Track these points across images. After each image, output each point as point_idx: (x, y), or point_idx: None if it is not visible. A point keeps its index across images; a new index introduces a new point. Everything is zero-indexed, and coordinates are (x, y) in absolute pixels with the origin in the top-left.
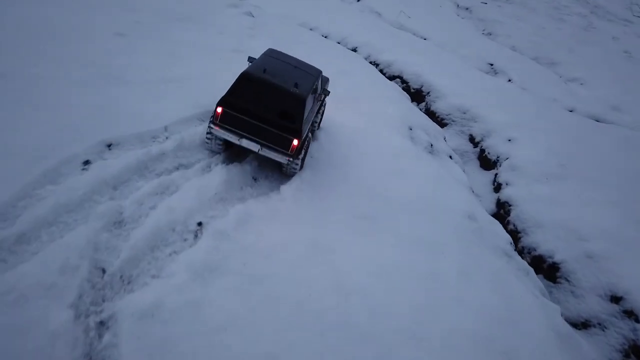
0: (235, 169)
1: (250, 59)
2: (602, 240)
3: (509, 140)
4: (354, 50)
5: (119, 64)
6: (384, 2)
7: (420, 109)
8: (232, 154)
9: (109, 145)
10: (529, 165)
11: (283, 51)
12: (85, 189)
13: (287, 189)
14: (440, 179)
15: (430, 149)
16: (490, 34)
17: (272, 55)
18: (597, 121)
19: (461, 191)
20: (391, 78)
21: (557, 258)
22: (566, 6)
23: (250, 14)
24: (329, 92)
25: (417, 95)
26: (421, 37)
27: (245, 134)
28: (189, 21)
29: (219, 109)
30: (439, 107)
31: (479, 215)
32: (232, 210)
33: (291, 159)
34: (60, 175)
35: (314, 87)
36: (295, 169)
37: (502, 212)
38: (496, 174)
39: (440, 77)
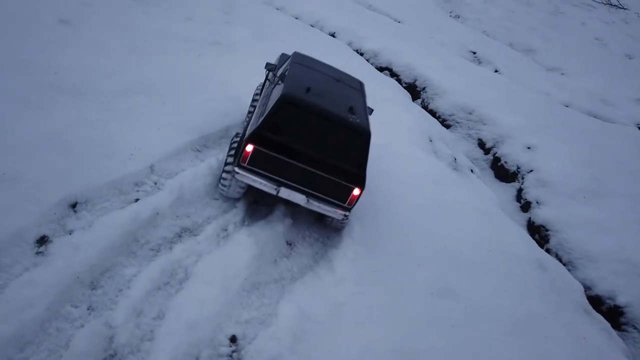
0: (263, 232)
1: (269, 67)
2: None
3: (528, 148)
4: (332, 35)
5: (66, 65)
6: None
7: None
8: (251, 201)
9: (74, 206)
10: (560, 179)
11: (304, 53)
12: (44, 300)
13: (342, 261)
14: (488, 213)
15: (455, 164)
16: (458, 16)
17: (302, 62)
18: (596, 118)
19: (512, 226)
20: (379, 70)
21: (620, 301)
22: None
23: None
24: (372, 109)
25: (411, 91)
26: (394, 20)
27: (285, 181)
28: (151, 1)
29: (249, 147)
30: (439, 106)
31: (544, 259)
32: (279, 311)
33: (348, 213)
34: None
35: (367, 108)
36: (345, 222)
37: (537, 237)
38: (521, 189)
39: (434, 70)
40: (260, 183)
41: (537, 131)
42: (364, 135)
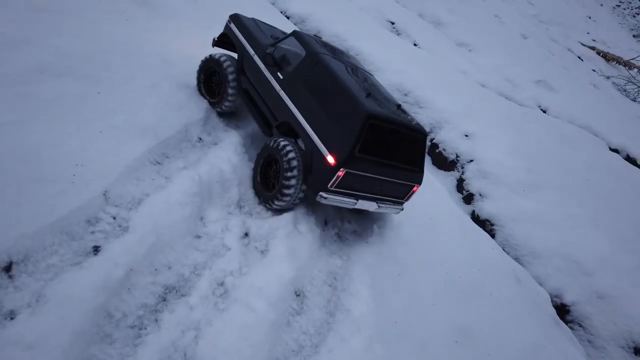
0: (269, 285)
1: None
2: (606, 273)
3: (466, 135)
4: None
5: None
6: None
7: None
8: (241, 235)
9: (8, 269)
10: (500, 171)
11: None
12: None
13: (361, 312)
14: (457, 216)
15: None
16: None
17: (323, 50)
18: (507, 99)
19: (479, 232)
20: None
21: (567, 299)
22: None
23: None
24: None
25: None
26: None
27: (363, 194)
28: None
29: (341, 172)
30: None
31: (516, 269)
32: None
33: (403, 206)
34: None
35: None
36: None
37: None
38: (462, 180)
39: (365, 41)
40: (342, 202)
41: (470, 116)
42: (424, 136)
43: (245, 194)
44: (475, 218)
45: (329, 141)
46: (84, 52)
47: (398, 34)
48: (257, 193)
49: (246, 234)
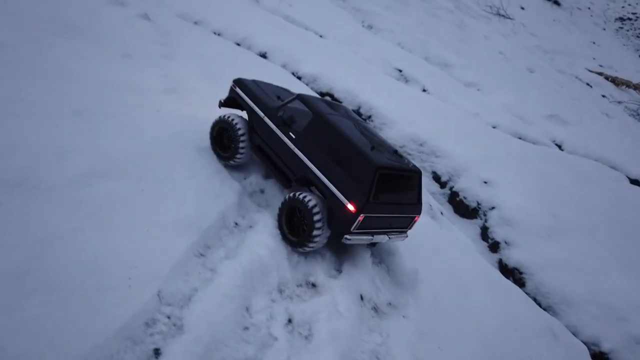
0: None
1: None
2: None
3: (485, 182)
4: (263, 56)
5: None
6: None
7: None
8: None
9: None
10: (523, 217)
11: None
12: None
13: None
14: (488, 276)
15: (431, 211)
16: (371, 27)
17: (328, 110)
18: (520, 138)
19: (512, 289)
20: (321, 95)
21: (605, 347)
22: None
23: (147, 17)
24: None
25: None
26: (316, 33)
27: (377, 230)
28: (74, 35)
29: (361, 217)
30: (389, 137)
31: (551, 323)
32: None
33: (407, 234)
34: None
35: None
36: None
37: (511, 280)
38: (486, 228)
39: (377, 96)
40: (362, 240)
41: (487, 162)
42: (420, 174)
43: (284, 277)
44: (503, 267)
45: (347, 191)
46: (125, 151)
47: (406, 81)
48: (287, 240)
49: (290, 320)
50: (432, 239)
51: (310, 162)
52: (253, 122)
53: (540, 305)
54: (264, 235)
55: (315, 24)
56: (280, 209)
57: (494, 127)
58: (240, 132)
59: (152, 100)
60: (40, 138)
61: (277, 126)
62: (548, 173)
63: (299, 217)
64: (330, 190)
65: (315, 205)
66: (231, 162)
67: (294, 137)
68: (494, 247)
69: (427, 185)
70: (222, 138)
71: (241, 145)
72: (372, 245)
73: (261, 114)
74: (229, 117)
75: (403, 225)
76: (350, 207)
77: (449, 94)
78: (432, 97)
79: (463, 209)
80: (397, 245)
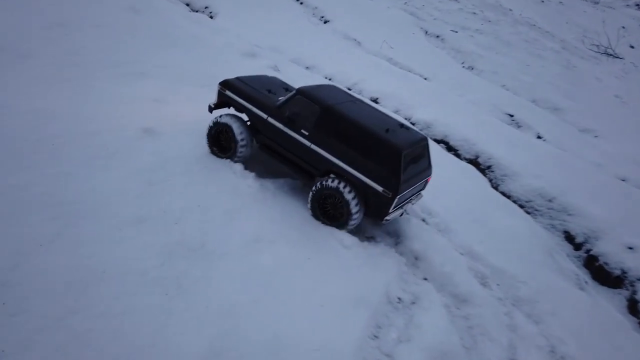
0: None
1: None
2: None
3: (630, 248)
4: (375, 101)
5: None
6: (349, 24)
7: None
8: None
9: None
10: None
11: None
12: None
13: None
14: None
15: (578, 281)
16: (472, 68)
17: (335, 99)
18: None
19: None
20: (436, 142)
21: None
22: (535, 39)
23: (277, 68)
24: None
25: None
26: (420, 76)
27: (405, 203)
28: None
29: (394, 199)
30: (513, 190)
31: None
32: None
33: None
34: None
35: None
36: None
37: None
38: (634, 301)
39: (494, 145)
40: (396, 215)
41: (629, 224)
42: (427, 139)
43: None
44: None
45: (378, 178)
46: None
47: (518, 127)
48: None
49: None
50: (588, 314)
51: (332, 155)
52: (256, 123)
53: None
54: (434, 315)
55: (417, 65)
56: (311, 201)
57: (622, 180)
58: (236, 131)
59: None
60: (212, 201)
61: (285, 125)
62: None
63: (334, 202)
64: (361, 180)
65: (346, 186)
66: (235, 159)
67: (306, 133)
68: None
69: (561, 246)
70: (219, 140)
71: (240, 143)
72: (401, 215)
73: (264, 115)
74: (222, 118)
75: (421, 188)
76: (386, 192)
77: (565, 141)
78: (549, 145)
79: (604, 276)
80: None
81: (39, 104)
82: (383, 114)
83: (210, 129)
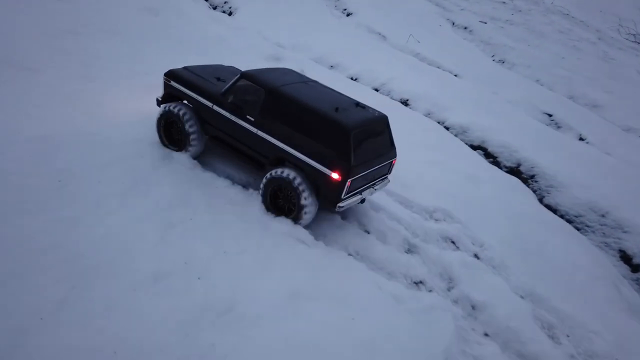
0: None
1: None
2: None
3: None
4: (405, 103)
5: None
6: (372, 16)
7: None
8: None
9: None
10: None
11: None
12: None
13: None
14: None
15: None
16: (503, 61)
17: (279, 80)
18: None
19: None
20: (472, 148)
21: None
22: (570, 30)
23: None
24: None
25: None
26: (449, 72)
27: (363, 188)
28: None
29: (348, 183)
30: (561, 203)
31: None
32: None
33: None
34: None
35: None
36: None
37: None
38: None
39: (538, 152)
40: (353, 202)
41: None
42: (386, 118)
43: None
44: None
45: (327, 161)
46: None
47: (558, 127)
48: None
49: None
50: None
51: (279, 141)
52: (201, 113)
53: None
54: None
55: (446, 60)
56: (264, 187)
57: None
58: (187, 123)
59: None
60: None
61: (230, 112)
62: None
63: (284, 194)
64: (309, 164)
65: (300, 182)
66: (188, 153)
67: (252, 119)
68: None
69: (617, 267)
70: (170, 132)
71: (192, 136)
72: (362, 202)
73: (208, 103)
74: (173, 108)
75: (384, 172)
76: (335, 176)
77: (610, 142)
78: (593, 149)
79: None
80: None
81: (43, 129)
82: (339, 94)
83: (159, 119)
